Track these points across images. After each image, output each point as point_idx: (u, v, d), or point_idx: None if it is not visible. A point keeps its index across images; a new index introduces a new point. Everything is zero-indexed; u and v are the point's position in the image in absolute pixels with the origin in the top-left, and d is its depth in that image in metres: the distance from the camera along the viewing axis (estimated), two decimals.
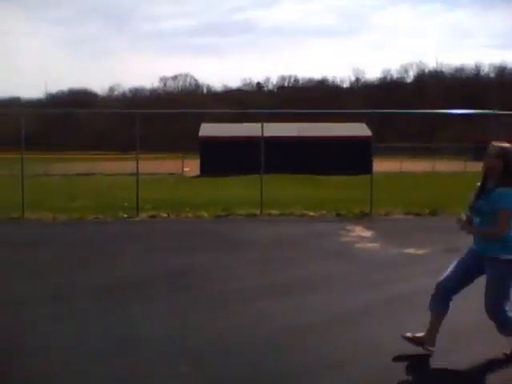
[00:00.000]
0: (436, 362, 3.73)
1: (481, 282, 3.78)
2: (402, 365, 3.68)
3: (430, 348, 3.78)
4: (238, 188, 18.21)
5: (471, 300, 4.00)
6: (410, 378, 3.57)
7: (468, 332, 4.33)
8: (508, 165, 3.49)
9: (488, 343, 3.97)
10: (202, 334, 4.24)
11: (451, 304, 3.82)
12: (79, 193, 16.66)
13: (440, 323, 3.80)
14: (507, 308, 3.64)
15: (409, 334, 3.85)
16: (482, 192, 3.61)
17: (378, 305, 5.07)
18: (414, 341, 3.82)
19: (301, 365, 3.67)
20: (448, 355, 3.82)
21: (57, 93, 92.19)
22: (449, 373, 3.61)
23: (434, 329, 3.79)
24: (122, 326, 4.47)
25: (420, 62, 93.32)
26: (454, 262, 3.85)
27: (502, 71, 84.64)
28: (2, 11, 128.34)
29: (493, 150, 3.56)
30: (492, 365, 3.72)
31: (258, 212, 11.46)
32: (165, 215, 11.30)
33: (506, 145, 3.58)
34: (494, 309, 3.62)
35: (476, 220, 3.72)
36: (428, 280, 5.92)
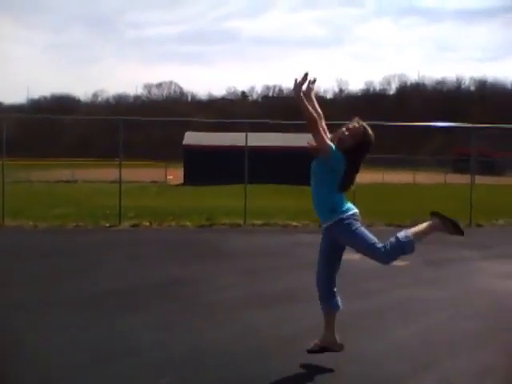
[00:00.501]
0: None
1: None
2: (382, 377, 3.70)
3: (335, 347, 3.86)
4: (221, 197, 18.20)
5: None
6: None
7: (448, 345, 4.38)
8: (357, 145, 3.69)
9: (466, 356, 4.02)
10: (187, 346, 4.22)
11: (338, 296, 3.92)
12: (61, 200, 16.48)
13: (334, 320, 3.87)
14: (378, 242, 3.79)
15: (312, 347, 3.89)
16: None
17: (361, 316, 5.09)
18: (320, 350, 3.85)
19: (287, 375, 3.67)
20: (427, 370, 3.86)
21: (39, 98, 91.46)
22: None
23: (330, 327, 3.86)
24: (107, 336, 4.42)
25: (402, 74, 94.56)
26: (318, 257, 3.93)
27: (482, 85, 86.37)
28: None
29: (350, 126, 3.76)
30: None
31: (241, 222, 11.47)
32: (147, 224, 11.23)
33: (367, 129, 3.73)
34: (376, 250, 3.78)
35: (312, 181, 3.86)
36: (411, 291, 6.01)
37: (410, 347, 4.27)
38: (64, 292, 5.84)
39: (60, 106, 78.13)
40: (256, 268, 7.28)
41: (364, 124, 3.75)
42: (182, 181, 30.00)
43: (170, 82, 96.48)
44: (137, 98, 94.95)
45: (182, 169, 30.96)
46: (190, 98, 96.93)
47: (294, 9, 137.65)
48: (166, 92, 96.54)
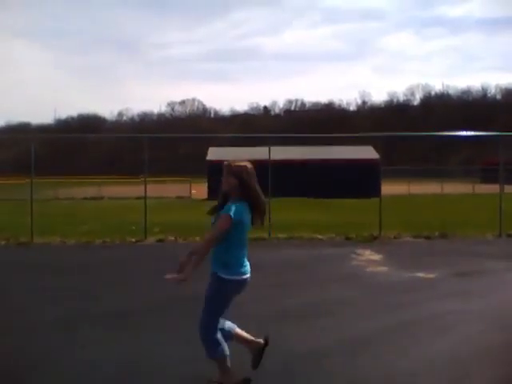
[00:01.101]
0: None
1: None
2: None
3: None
4: None
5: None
6: None
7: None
8: (241, 181, 3.55)
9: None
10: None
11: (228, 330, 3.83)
12: (88, 217, 16.72)
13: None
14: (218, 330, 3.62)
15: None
16: (219, 209, 3.63)
17: (391, 330, 4.99)
18: None
19: None
20: None
21: (66, 118, 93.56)
22: None
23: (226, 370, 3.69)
24: (133, 352, 4.42)
25: (426, 84, 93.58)
26: None
27: (508, 92, 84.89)
28: (14, 39, 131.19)
29: (226, 168, 3.61)
30: None
31: (266, 236, 11.42)
32: (172, 238, 11.29)
33: (240, 163, 3.63)
34: (205, 328, 3.59)
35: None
36: (440, 304, 5.87)
37: (441, 361, 4.15)
38: (90, 308, 5.89)
39: (86, 125, 79.76)
40: (281, 282, 7.22)
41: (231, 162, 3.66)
42: (206, 196, 30.14)
43: (193, 99, 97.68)
44: (161, 115, 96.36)
45: (206, 184, 31.12)
46: (212, 114, 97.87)
47: (315, 24, 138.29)
48: (189, 109, 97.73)
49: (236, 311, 5.67)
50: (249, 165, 3.65)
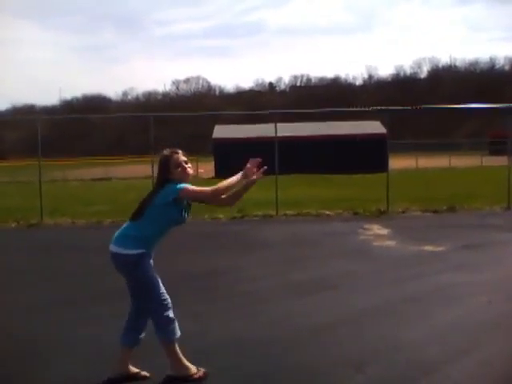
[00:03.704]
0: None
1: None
2: (420, 365, 3.65)
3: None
4: (252, 189, 18.18)
5: None
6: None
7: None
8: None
9: None
10: (222, 335, 4.26)
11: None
12: (96, 197, 16.83)
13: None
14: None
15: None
16: None
17: (399, 302, 5.04)
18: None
19: (323, 363, 3.66)
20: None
21: (71, 99, 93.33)
22: None
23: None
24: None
25: (433, 57, 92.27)
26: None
27: None
28: (16, 21, 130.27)
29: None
30: None
31: (274, 213, 11.46)
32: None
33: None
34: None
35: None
36: (448, 277, 5.91)
37: (450, 332, 4.20)
38: (100, 286, 5.96)
39: (92, 106, 79.59)
40: (290, 258, 7.27)
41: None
42: (213, 174, 30.18)
43: (198, 77, 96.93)
44: (166, 94, 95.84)
45: (213, 162, 31.12)
46: (217, 92, 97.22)
47: None
48: (193, 87, 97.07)
49: (245, 286, 5.75)
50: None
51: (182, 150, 3.72)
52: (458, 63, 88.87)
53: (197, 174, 30.72)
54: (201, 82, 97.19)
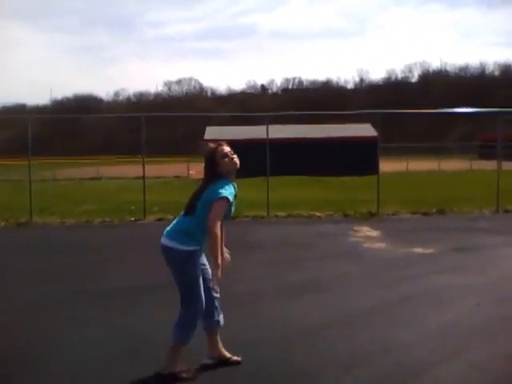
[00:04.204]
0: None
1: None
2: (409, 367, 3.67)
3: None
4: (244, 190, 18.14)
5: None
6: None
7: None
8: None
9: None
10: None
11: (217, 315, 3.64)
12: (86, 197, 16.72)
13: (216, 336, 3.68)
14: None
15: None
16: None
17: (390, 304, 5.05)
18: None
19: (312, 364, 3.66)
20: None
21: (62, 99, 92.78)
22: None
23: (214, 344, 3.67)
24: (133, 330, 4.48)
25: (424, 61, 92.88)
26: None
27: (507, 69, 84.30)
28: (8, 21, 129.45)
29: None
30: None
31: (265, 214, 11.46)
32: (171, 217, 11.31)
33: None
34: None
35: None
36: (438, 279, 5.94)
37: (439, 334, 4.22)
38: (90, 286, 5.93)
39: (83, 106, 79.15)
40: (281, 259, 7.27)
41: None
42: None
43: (190, 78, 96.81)
44: (157, 95, 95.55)
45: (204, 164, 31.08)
46: (209, 93, 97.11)
47: (312, 1, 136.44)
48: (185, 88, 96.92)
49: (236, 288, 5.74)
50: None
51: (173, 150, 3.71)
52: (448, 68, 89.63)
53: (188, 175, 30.70)
54: (193, 83, 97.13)
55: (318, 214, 11.54)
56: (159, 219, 11.16)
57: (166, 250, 3.52)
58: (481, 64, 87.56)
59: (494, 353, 3.85)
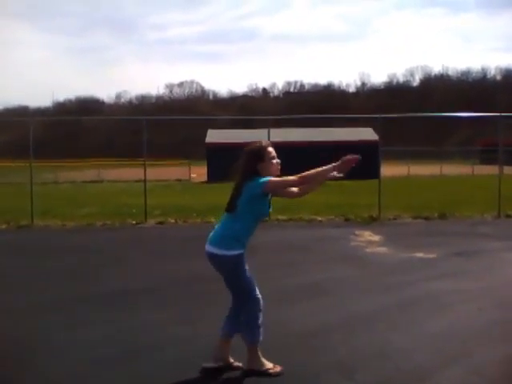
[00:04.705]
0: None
1: None
2: (409, 372, 3.66)
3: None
4: None
5: None
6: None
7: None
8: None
9: None
10: (211, 340, 4.23)
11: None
12: (88, 200, 16.74)
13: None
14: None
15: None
16: None
17: (390, 308, 5.04)
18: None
19: (312, 369, 3.66)
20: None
21: (64, 101, 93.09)
22: None
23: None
24: (132, 332, 4.48)
25: (425, 65, 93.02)
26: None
27: (508, 74, 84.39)
28: (10, 22, 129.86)
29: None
30: None
31: (266, 218, 11.45)
32: (173, 221, 11.33)
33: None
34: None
35: None
36: (439, 284, 5.93)
37: (440, 339, 4.21)
38: (90, 289, 5.93)
39: (85, 108, 79.35)
40: (281, 263, 7.27)
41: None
42: (205, 178, 30.13)
43: (192, 81, 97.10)
44: (159, 97, 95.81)
45: (206, 166, 31.09)
46: (211, 96, 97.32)
47: (314, 5, 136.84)
48: (187, 91, 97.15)
49: None
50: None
51: (174, 153, 3.70)
52: (450, 72, 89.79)
53: (189, 178, 30.72)
54: (194, 86, 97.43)
55: (320, 218, 11.54)
56: (160, 222, 11.16)
57: (213, 257, 3.50)
58: (482, 69, 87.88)
59: (494, 358, 3.84)
